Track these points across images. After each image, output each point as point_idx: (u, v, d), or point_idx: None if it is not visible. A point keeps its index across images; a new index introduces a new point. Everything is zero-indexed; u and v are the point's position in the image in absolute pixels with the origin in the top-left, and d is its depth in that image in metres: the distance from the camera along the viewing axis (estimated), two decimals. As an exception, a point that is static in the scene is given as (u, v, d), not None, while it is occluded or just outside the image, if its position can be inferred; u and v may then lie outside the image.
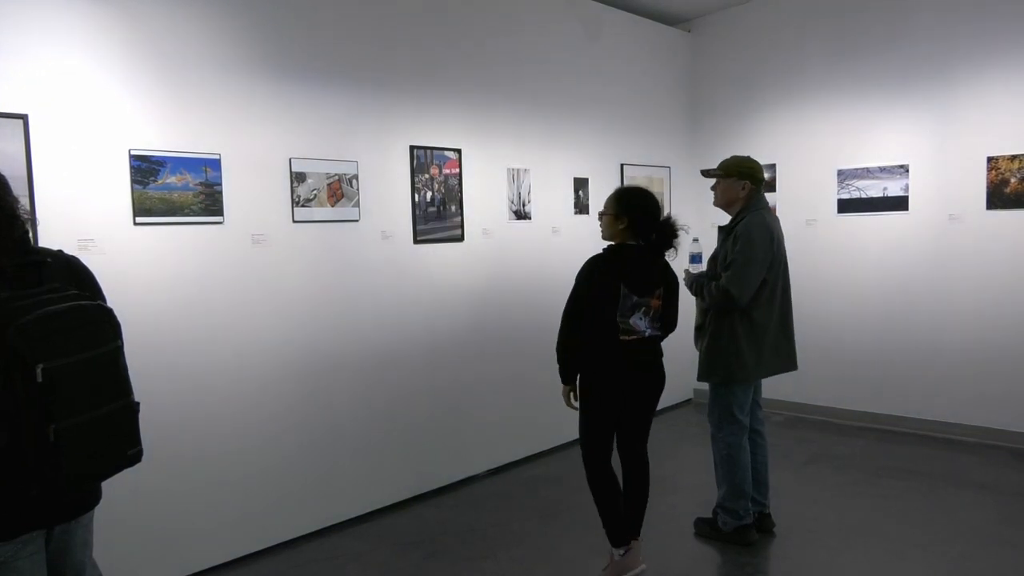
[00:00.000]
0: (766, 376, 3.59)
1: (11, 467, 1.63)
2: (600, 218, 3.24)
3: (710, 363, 3.49)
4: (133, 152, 3.12)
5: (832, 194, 5.63)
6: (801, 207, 5.81)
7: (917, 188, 5.25)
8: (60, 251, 1.89)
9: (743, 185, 3.47)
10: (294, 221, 3.68)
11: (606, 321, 3.04)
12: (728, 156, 3.66)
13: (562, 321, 3.13)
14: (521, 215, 4.88)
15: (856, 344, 5.60)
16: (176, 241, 3.27)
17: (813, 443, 5.21)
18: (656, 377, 3.21)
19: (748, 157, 3.56)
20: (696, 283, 3.52)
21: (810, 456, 4.91)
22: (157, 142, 3.20)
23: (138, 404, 1.85)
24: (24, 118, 2.82)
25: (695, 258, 3.67)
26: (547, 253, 5.01)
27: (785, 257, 3.60)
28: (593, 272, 3.08)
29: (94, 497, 1.92)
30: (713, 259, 3.55)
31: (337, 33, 3.85)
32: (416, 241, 4.25)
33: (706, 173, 3.65)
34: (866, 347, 5.54)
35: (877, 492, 4.22)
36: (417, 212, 4.24)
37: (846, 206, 5.58)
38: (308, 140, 3.73)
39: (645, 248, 3.12)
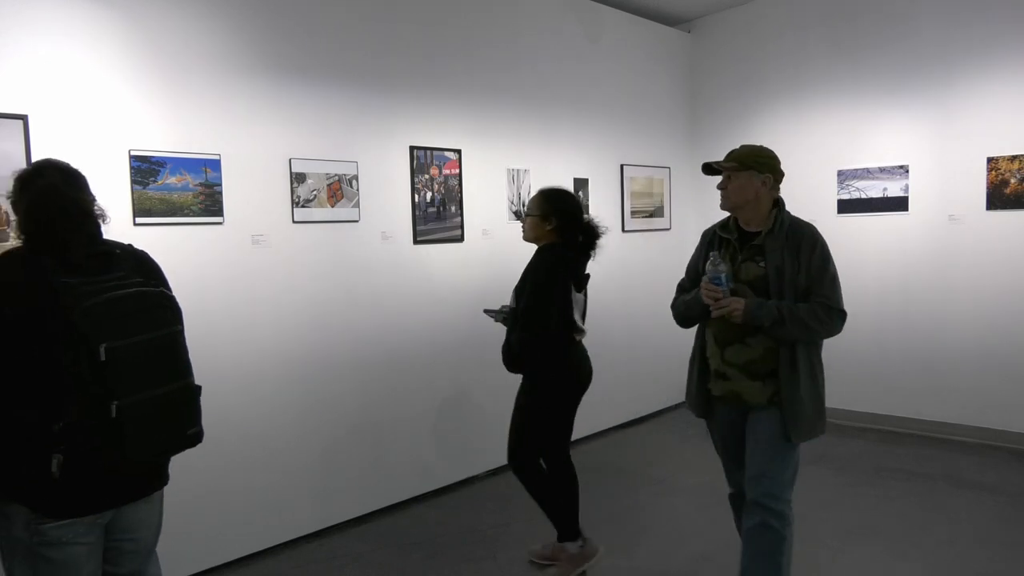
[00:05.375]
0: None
1: (78, 442, 1.73)
2: (523, 219, 3.27)
3: (816, 413, 2.70)
4: (133, 152, 3.12)
5: (832, 195, 5.63)
6: (801, 207, 5.72)
7: (917, 188, 5.25)
8: (130, 244, 2.02)
9: (764, 180, 2.69)
10: (294, 221, 3.68)
11: (567, 322, 3.10)
12: (707, 156, 3.21)
13: (532, 329, 3.04)
14: (521, 215, 4.88)
15: (856, 345, 5.59)
16: (176, 241, 3.27)
17: (813, 443, 5.18)
18: (591, 372, 3.30)
19: (764, 147, 2.79)
20: (772, 309, 2.57)
21: (811, 456, 4.90)
22: (157, 142, 3.20)
23: (199, 388, 1.95)
24: (24, 118, 2.82)
25: (718, 279, 2.63)
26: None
27: None
28: (557, 272, 3.08)
29: (159, 479, 1.99)
30: (777, 276, 2.66)
31: (337, 33, 3.85)
32: (416, 241, 4.25)
33: (713, 167, 2.77)
34: (866, 347, 5.54)
35: (877, 492, 4.22)
36: (417, 212, 4.24)
37: (846, 207, 5.58)
38: (308, 140, 3.73)
39: (578, 247, 3.18)
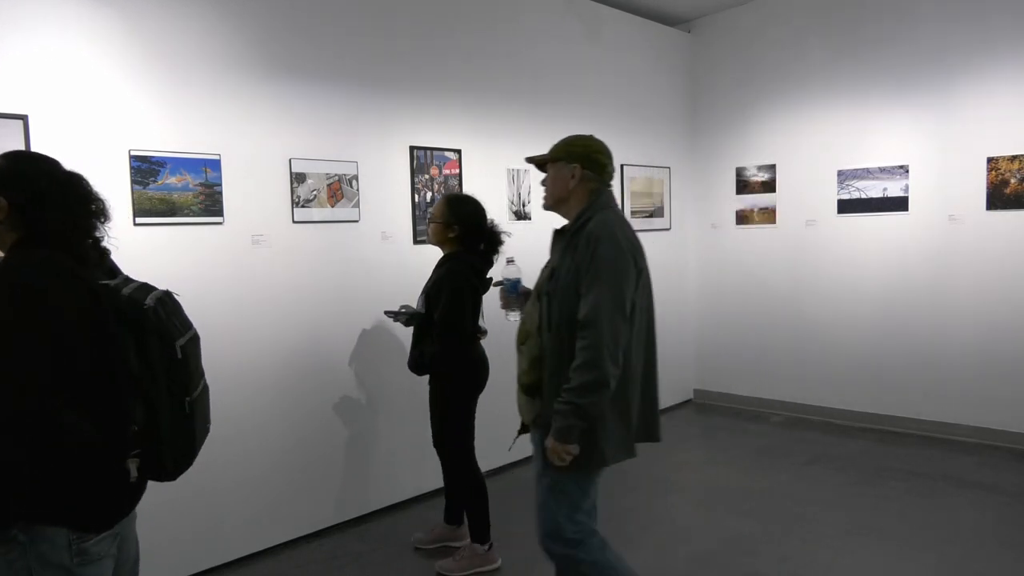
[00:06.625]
0: (632, 455, 2.38)
1: (150, 443, 1.71)
2: (428, 224, 3.42)
3: (585, 438, 2.24)
4: (133, 152, 3.12)
5: (832, 194, 5.63)
6: (801, 207, 5.81)
7: (917, 188, 5.25)
8: None
9: (573, 171, 2.41)
10: (294, 221, 3.68)
11: (473, 328, 3.32)
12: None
13: (452, 338, 3.23)
14: (521, 215, 4.88)
15: (856, 344, 5.60)
16: (176, 242, 3.27)
17: (813, 443, 5.21)
18: (488, 372, 3.46)
19: (588, 136, 2.53)
20: (562, 411, 2.20)
21: (810, 456, 4.91)
22: (157, 142, 3.20)
23: None
24: (24, 118, 2.82)
25: (512, 287, 2.70)
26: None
27: (650, 280, 2.40)
28: (469, 282, 3.24)
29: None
30: (550, 281, 2.34)
31: (337, 33, 3.85)
32: (416, 241, 4.25)
33: (532, 160, 2.61)
34: (866, 347, 5.54)
35: (877, 492, 4.22)
36: (417, 212, 4.24)
37: (846, 206, 5.58)
38: (308, 140, 3.73)
39: (480, 253, 3.34)
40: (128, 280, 1.76)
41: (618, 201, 2.53)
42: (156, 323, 1.69)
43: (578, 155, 2.42)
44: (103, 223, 1.77)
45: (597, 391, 2.16)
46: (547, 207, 2.54)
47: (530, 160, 2.60)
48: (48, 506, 1.63)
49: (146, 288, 1.75)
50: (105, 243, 1.79)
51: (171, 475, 1.81)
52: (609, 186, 2.47)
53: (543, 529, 2.39)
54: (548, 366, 2.28)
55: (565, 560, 2.39)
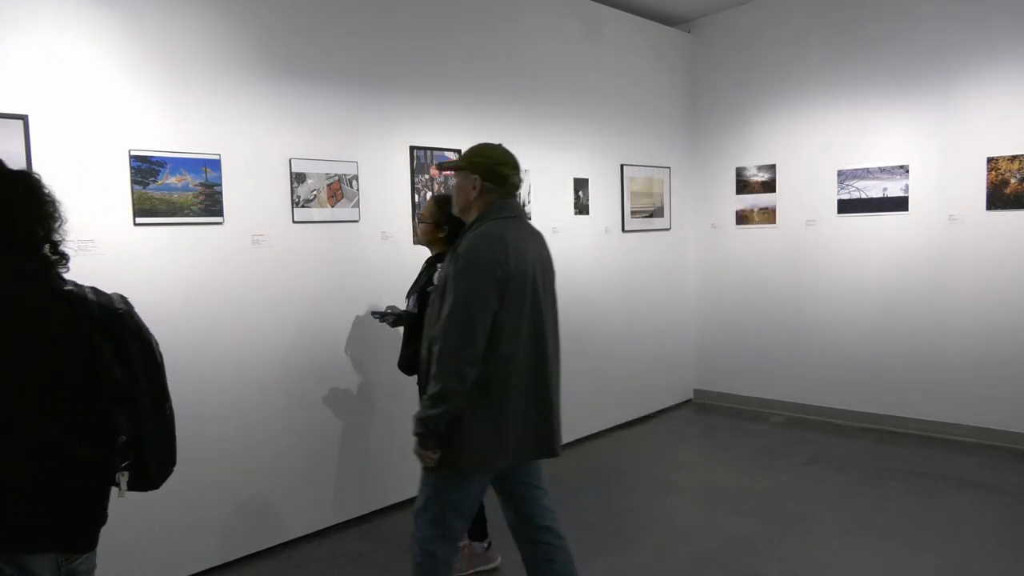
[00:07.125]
0: (510, 463, 2.42)
1: (136, 453, 1.67)
2: (418, 223, 3.41)
3: (449, 445, 2.31)
4: (133, 152, 3.12)
5: (832, 194, 5.63)
6: (801, 207, 5.81)
7: (917, 189, 5.25)
8: None
9: (474, 183, 2.39)
10: (294, 221, 3.68)
11: None
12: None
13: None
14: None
15: (856, 344, 5.60)
16: (176, 242, 3.27)
17: (813, 443, 5.21)
18: None
19: (496, 145, 2.49)
20: (418, 415, 2.30)
21: (810, 456, 4.91)
22: (157, 142, 3.20)
23: None
24: (24, 118, 2.82)
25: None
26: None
27: (542, 289, 2.40)
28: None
29: None
30: (435, 295, 2.41)
31: (337, 33, 3.85)
32: (416, 241, 4.25)
33: (443, 167, 2.63)
34: (866, 347, 5.54)
35: (877, 492, 4.23)
36: (417, 212, 4.24)
37: (846, 206, 5.58)
38: (308, 140, 3.73)
39: None
40: (79, 285, 1.67)
41: (524, 204, 2.53)
42: (135, 328, 1.65)
43: (480, 166, 2.41)
44: (60, 225, 1.67)
45: (439, 403, 2.23)
46: (456, 214, 2.55)
47: (441, 167, 2.63)
48: (37, 529, 1.56)
49: (102, 292, 1.68)
50: (63, 247, 1.68)
51: (154, 484, 1.74)
52: (513, 196, 2.46)
53: (415, 519, 2.45)
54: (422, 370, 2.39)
55: (413, 541, 2.43)
